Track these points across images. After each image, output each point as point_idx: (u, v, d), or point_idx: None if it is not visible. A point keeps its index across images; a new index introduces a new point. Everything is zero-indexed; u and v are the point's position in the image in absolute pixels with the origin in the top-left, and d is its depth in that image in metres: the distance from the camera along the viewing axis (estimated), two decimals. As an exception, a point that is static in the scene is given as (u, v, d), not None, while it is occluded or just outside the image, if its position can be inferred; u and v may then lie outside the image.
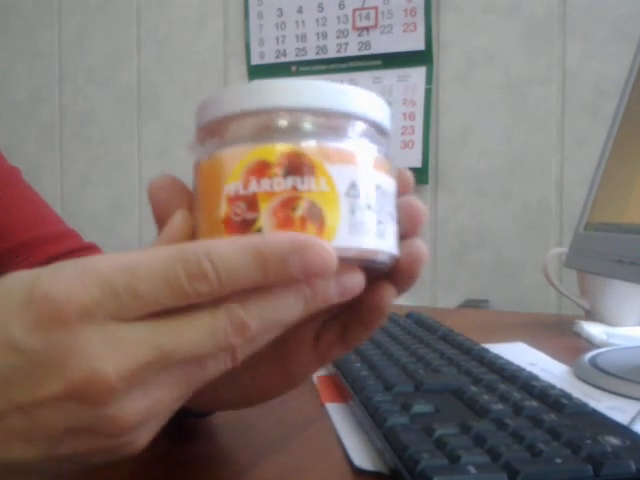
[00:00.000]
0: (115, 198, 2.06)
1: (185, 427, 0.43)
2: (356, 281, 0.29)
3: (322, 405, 0.48)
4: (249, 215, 0.27)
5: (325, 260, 0.27)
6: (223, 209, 0.28)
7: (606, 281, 0.77)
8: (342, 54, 1.77)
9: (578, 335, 0.75)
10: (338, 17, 1.77)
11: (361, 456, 0.38)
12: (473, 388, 0.43)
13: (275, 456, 0.39)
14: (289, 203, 0.28)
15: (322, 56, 1.79)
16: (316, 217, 0.28)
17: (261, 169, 0.28)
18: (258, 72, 1.87)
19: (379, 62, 1.73)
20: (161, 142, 2.00)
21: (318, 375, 0.54)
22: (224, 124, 0.29)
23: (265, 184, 0.28)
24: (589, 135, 1.52)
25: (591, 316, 0.81)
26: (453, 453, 0.32)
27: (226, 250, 0.26)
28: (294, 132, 0.28)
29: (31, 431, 0.26)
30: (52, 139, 2.16)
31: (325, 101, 0.29)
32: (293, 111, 0.28)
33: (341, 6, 1.76)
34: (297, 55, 1.82)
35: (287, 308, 0.27)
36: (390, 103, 1.72)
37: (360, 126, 0.29)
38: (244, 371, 0.32)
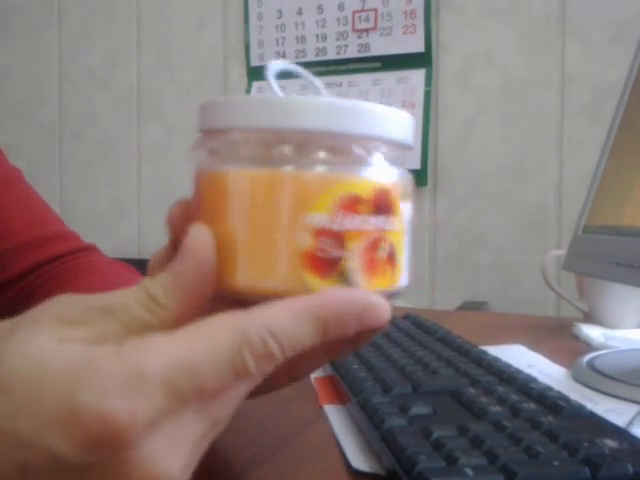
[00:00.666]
0: (114, 199, 2.06)
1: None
2: (386, 315, 0.28)
3: (320, 407, 0.48)
4: (335, 253, 0.26)
5: (382, 319, 0.27)
6: (307, 241, 0.26)
7: (604, 284, 0.77)
8: (341, 56, 1.77)
9: (576, 337, 0.75)
10: (338, 19, 1.77)
11: (359, 458, 0.38)
12: (471, 390, 0.43)
13: (273, 457, 0.39)
14: (376, 244, 0.27)
15: (322, 58, 1.79)
16: (392, 258, 0.27)
17: (353, 204, 0.26)
18: (258, 73, 1.87)
19: (378, 64, 1.74)
20: (161, 143, 2.00)
21: (316, 377, 0.54)
22: (260, 137, 0.27)
23: (357, 221, 0.26)
24: (588, 137, 1.52)
25: (589, 318, 0.81)
26: (451, 455, 0.32)
27: (289, 325, 0.26)
28: (357, 162, 0.27)
29: None
30: (52, 139, 2.16)
31: (388, 129, 0.28)
32: (361, 139, 0.27)
33: (341, 8, 1.76)
34: (297, 57, 1.82)
35: (310, 341, 0.27)
36: (389, 105, 1.71)
37: (402, 154, 0.29)
38: None
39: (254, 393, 0.37)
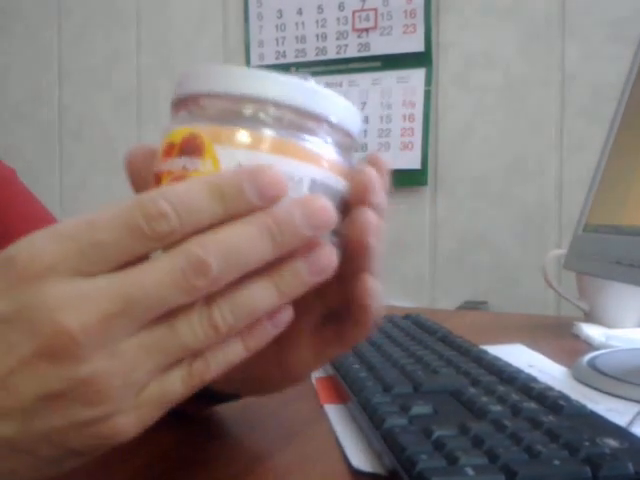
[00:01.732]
0: (114, 199, 2.05)
1: (184, 428, 0.43)
2: (323, 206, 0.28)
3: (321, 406, 0.48)
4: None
5: (278, 179, 0.27)
6: (152, 183, 0.30)
7: (605, 283, 0.77)
8: (342, 55, 1.77)
9: (577, 337, 0.75)
10: (338, 18, 1.77)
11: (359, 457, 0.38)
12: (472, 389, 0.43)
13: (274, 457, 0.39)
14: (179, 180, 0.28)
15: (322, 57, 1.79)
16: None
17: (169, 150, 0.29)
18: (258, 73, 1.87)
19: (379, 64, 1.73)
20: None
21: (317, 376, 0.54)
22: (192, 100, 0.30)
23: (167, 164, 0.29)
24: (588, 137, 1.52)
25: (590, 318, 0.81)
26: (451, 454, 0.32)
27: (181, 189, 0.26)
28: (252, 121, 0.29)
29: (4, 402, 0.26)
30: (51, 140, 2.15)
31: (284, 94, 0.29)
32: (250, 100, 0.29)
33: (341, 8, 1.76)
34: (297, 56, 1.82)
35: (250, 242, 0.26)
36: (389, 105, 1.72)
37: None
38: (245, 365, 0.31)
39: (251, 391, 0.37)
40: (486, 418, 0.38)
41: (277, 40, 1.84)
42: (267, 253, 0.27)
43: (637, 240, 0.57)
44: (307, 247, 0.28)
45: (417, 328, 0.66)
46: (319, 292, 0.30)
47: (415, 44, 1.69)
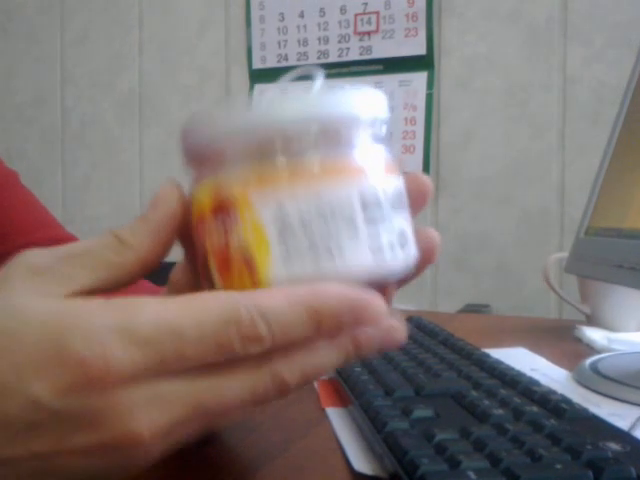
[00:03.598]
0: (116, 202, 2.06)
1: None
2: (401, 336, 0.29)
3: (322, 409, 0.48)
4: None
5: (379, 315, 0.27)
6: (196, 239, 0.29)
7: (607, 286, 0.77)
8: (343, 59, 1.77)
9: (579, 340, 0.74)
10: (340, 22, 1.77)
11: (361, 460, 0.38)
12: (473, 393, 0.43)
13: (275, 460, 0.39)
14: (225, 248, 0.27)
15: (323, 61, 1.79)
16: (246, 255, 0.27)
17: (201, 214, 0.28)
18: (260, 76, 1.87)
19: (380, 67, 1.74)
20: (162, 146, 2.00)
21: (318, 379, 0.54)
22: (208, 149, 0.28)
23: (207, 227, 0.28)
24: (590, 140, 1.52)
25: (592, 321, 0.80)
26: (453, 458, 0.32)
27: (281, 309, 0.25)
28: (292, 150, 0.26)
29: (46, 474, 0.25)
30: (54, 142, 2.16)
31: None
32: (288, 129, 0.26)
33: (343, 11, 1.76)
34: (299, 60, 1.82)
35: (329, 365, 0.27)
36: (391, 108, 1.72)
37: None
38: None
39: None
40: (488, 422, 0.38)
41: (279, 43, 1.85)
42: (335, 367, 0.28)
43: (639, 244, 0.57)
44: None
45: (419, 331, 0.66)
46: None
47: (417, 47, 1.69)
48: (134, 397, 0.24)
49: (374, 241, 0.27)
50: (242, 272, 0.27)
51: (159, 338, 0.24)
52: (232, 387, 0.26)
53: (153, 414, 0.24)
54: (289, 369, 0.26)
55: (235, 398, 0.26)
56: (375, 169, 0.28)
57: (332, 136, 0.27)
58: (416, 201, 0.31)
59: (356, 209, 0.27)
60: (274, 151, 0.26)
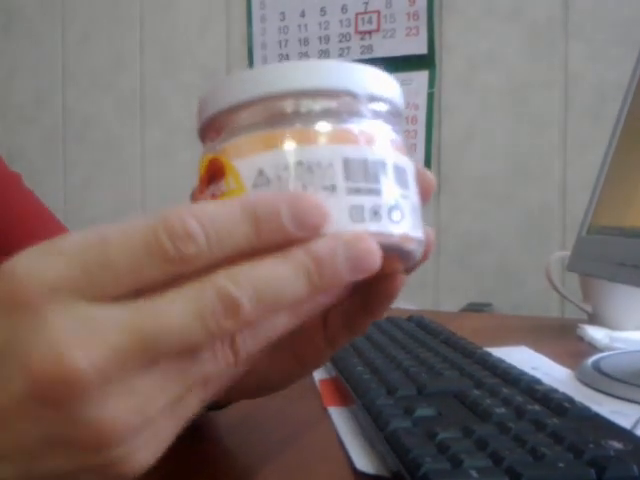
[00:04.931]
0: (118, 201, 2.06)
1: (187, 429, 0.43)
2: (369, 250, 0.24)
3: (324, 408, 0.48)
4: None
5: (319, 205, 0.24)
6: None
7: (609, 285, 0.77)
8: (344, 58, 1.77)
9: (581, 339, 0.74)
10: (341, 21, 1.77)
11: (363, 459, 0.38)
12: (475, 392, 0.43)
13: (277, 459, 0.39)
14: None
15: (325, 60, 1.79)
16: None
17: (200, 184, 0.28)
18: (261, 76, 1.87)
19: (381, 66, 1.73)
20: (164, 146, 2.00)
21: (320, 378, 0.54)
22: (211, 124, 0.29)
23: (202, 198, 0.27)
24: (592, 138, 1.52)
25: (594, 320, 0.80)
26: (455, 457, 0.32)
27: (211, 207, 0.23)
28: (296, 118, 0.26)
29: (4, 444, 0.22)
30: (55, 142, 2.16)
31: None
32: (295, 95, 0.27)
33: (344, 10, 1.76)
34: (299, 59, 1.82)
35: (286, 282, 0.23)
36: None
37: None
38: (262, 357, 0.28)
39: (271, 387, 0.37)
40: (490, 420, 0.38)
41: (280, 42, 1.85)
42: (302, 295, 0.23)
43: (641, 242, 0.57)
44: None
45: (420, 330, 0.66)
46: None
47: (418, 46, 1.69)
48: (63, 319, 0.21)
49: (355, 208, 0.26)
50: None
51: (85, 246, 0.22)
52: (174, 309, 0.22)
53: (88, 341, 0.21)
54: (234, 282, 0.22)
55: (181, 323, 0.22)
56: (370, 141, 0.27)
57: (328, 107, 0.27)
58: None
59: (337, 172, 0.26)
60: (265, 121, 0.27)
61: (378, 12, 1.73)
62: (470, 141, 1.66)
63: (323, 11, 1.79)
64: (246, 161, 0.26)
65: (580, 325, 0.77)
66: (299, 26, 1.82)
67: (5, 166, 0.65)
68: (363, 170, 0.27)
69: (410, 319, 0.73)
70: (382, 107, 0.29)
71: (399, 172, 0.28)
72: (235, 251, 0.23)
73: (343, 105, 0.27)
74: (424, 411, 0.40)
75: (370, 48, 1.74)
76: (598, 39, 1.53)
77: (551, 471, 0.31)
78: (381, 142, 0.28)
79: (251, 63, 1.88)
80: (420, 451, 0.33)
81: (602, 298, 0.79)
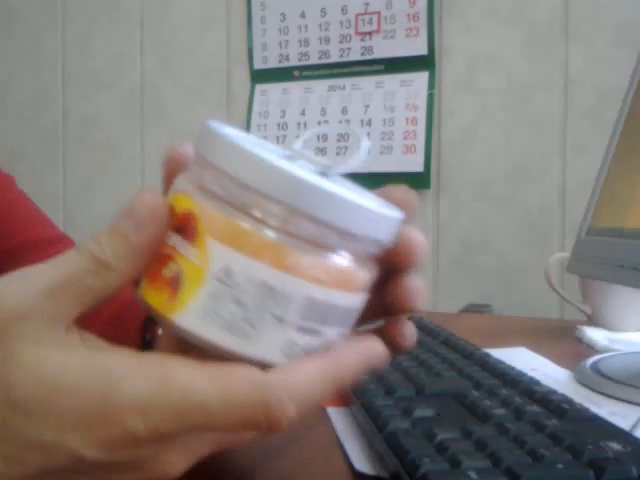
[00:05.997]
0: (118, 202, 2.06)
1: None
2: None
3: (323, 409, 0.48)
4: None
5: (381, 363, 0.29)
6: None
7: (608, 286, 0.77)
8: (345, 59, 1.77)
9: (580, 340, 0.74)
10: (341, 22, 1.77)
11: (362, 460, 0.38)
12: (474, 393, 0.43)
13: (276, 460, 0.39)
14: (165, 260, 0.27)
15: (325, 61, 1.79)
16: (176, 284, 0.26)
17: (171, 213, 0.28)
18: (261, 77, 1.87)
19: (382, 67, 1.74)
20: (164, 146, 1.99)
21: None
22: (202, 163, 0.28)
23: (168, 236, 0.27)
24: (591, 140, 1.52)
25: (593, 321, 0.80)
26: (454, 458, 0.32)
27: (308, 388, 0.26)
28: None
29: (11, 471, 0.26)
30: (55, 143, 2.16)
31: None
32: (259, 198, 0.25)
33: (344, 11, 1.76)
34: (300, 60, 1.82)
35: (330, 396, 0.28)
36: (392, 108, 1.72)
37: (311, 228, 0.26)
38: None
39: None
40: (489, 421, 0.38)
41: (280, 43, 1.85)
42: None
43: (640, 243, 0.57)
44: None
45: (420, 331, 0.66)
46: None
47: (418, 47, 1.69)
48: (171, 454, 0.27)
49: (292, 344, 0.27)
50: (164, 287, 0.27)
51: (190, 412, 0.25)
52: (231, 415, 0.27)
53: (185, 459, 0.28)
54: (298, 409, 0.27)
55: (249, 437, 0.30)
56: (340, 284, 0.27)
57: (310, 234, 0.26)
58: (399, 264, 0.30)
59: (294, 308, 0.26)
60: (253, 214, 0.26)
61: (378, 13, 1.73)
62: (470, 142, 1.66)
63: (323, 12, 1.79)
64: (219, 249, 0.26)
65: (579, 326, 0.77)
66: (299, 27, 1.82)
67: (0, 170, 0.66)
68: (319, 313, 0.27)
69: (409, 319, 0.73)
70: (365, 247, 0.27)
71: (348, 315, 0.28)
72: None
73: (326, 238, 0.26)
74: (423, 412, 0.40)
75: (370, 49, 1.74)
76: (598, 41, 1.53)
77: (550, 472, 0.31)
78: (349, 285, 0.27)
79: (251, 64, 1.88)
80: (419, 452, 0.33)
81: (601, 300, 0.79)
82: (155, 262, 0.28)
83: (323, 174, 0.27)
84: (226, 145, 0.26)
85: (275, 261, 0.26)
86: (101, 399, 0.25)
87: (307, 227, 0.26)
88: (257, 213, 0.26)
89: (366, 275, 0.28)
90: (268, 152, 0.27)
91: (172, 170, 0.31)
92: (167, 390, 0.25)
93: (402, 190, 0.31)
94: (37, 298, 0.26)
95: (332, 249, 0.27)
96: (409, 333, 0.33)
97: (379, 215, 0.27)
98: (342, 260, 0.27)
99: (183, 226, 0.27)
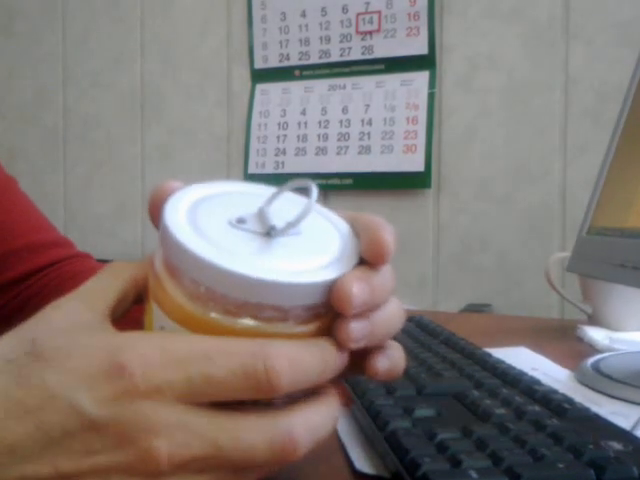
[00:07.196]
0: (118, 201, 2.06)
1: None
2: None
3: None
4: None
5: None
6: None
7: (609, 286, 0.77)
8: (345, 58, 1.77)
9: (580, 340, 0.74)
10: (341, 21, 1.77)
11: (362, 460, 0.38)
12: (475, 392, 0.43)
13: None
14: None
15: (325, 60, 1.79)
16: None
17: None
18: (261, 76, 1.87)
19: (382, 66, 1.74)
20: (164, 145, 2.00)
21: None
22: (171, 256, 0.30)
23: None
24: (592, 140, 1.52)
25: (594, 321, 0.80)
26: (455, 457, 0.32)
27: (296, 351, 0.28)
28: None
29: None
30: (56, 142, 2.16)
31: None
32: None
33: (344, 10, 1.76)
34: (300, 59, 1.82)
35: (329, 427, 0.30)
36: (393, 107, 1.72)
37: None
38: None
39: None
40: (490, 421, 0.38)
41: (281, 43, 1.85)
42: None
43: (641, 243, 0.57)
44: None
45: (420, 330, 0.66)
46: None
47: (419, 47, 1.69)
48: (162, 415, 0.26)
49: None
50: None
51: (190, 357, 0.27)
52: (250, 433, 0.27)
53: (175, 440, 0.26)
54: (305, 427, 0.28)
55: (253, 446, 0.27)
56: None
57: (224, 305, 0.29)
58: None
59: None
60: (206, 303, 0.29)
61: (379, 12, 1.73)
62: (470, 141, 1.66)
63: (324, 11, 1.79)
64: (160, 314, 0.30)
65: (580, 326, 0.77)
66: (300, 26, 1.82)
67: (2, 170, 0.66)
68: None
69: (410, 319, 0.73)
70: (270, 312, 0.30)
71: None
72: (305, 387, 0.29)
73: (231, 307, 0.29)
74: (423, 411, 0.40)
75: (371, 48, 1.74)
76: (598, 40, 1.53)
77: (551, 472, 0.31)
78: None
79: (252, 63, 1.88)
80: (419, 451, 0.33)
81: (602, 299, 0.79)
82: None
83: (268, 234, 0.30)
84: (166, 234, 0.29)
85: (194, 327, 0.29)
86: (108, 356, 0.26)
87: (220, 300, 0.29)
88: (186, 289, 0.29)
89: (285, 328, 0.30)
90: (216, 220, 0.30)
91: (157, 200, 0.32)
92: (169, 344, 0.27)
93: (372, 225, 0.31)
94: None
95: (238, 315, 0.29)
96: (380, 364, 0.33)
97: (276, 284, 0.29)
98: (249, 322, 0.29)
99: (144, 287, 0.33)
